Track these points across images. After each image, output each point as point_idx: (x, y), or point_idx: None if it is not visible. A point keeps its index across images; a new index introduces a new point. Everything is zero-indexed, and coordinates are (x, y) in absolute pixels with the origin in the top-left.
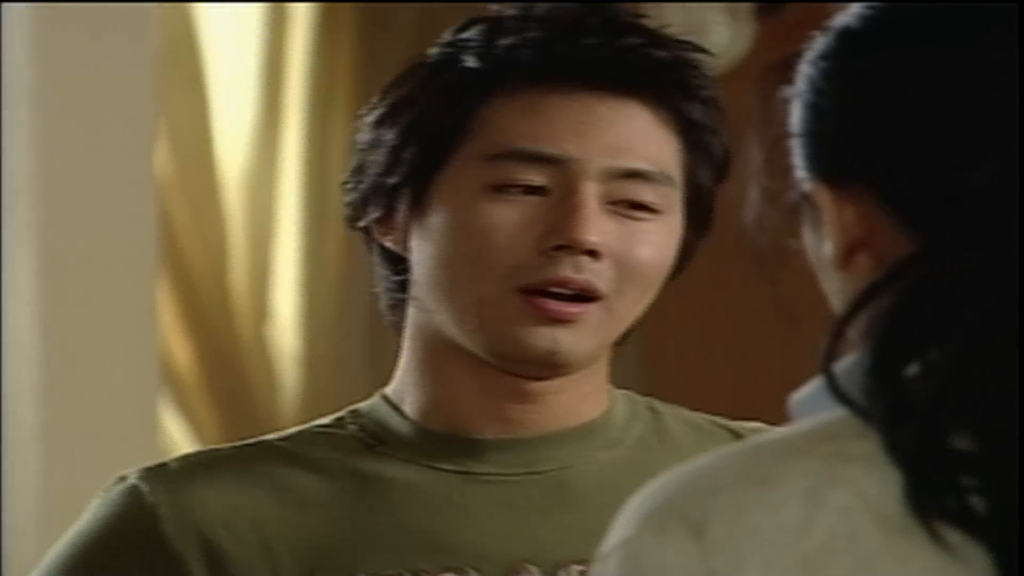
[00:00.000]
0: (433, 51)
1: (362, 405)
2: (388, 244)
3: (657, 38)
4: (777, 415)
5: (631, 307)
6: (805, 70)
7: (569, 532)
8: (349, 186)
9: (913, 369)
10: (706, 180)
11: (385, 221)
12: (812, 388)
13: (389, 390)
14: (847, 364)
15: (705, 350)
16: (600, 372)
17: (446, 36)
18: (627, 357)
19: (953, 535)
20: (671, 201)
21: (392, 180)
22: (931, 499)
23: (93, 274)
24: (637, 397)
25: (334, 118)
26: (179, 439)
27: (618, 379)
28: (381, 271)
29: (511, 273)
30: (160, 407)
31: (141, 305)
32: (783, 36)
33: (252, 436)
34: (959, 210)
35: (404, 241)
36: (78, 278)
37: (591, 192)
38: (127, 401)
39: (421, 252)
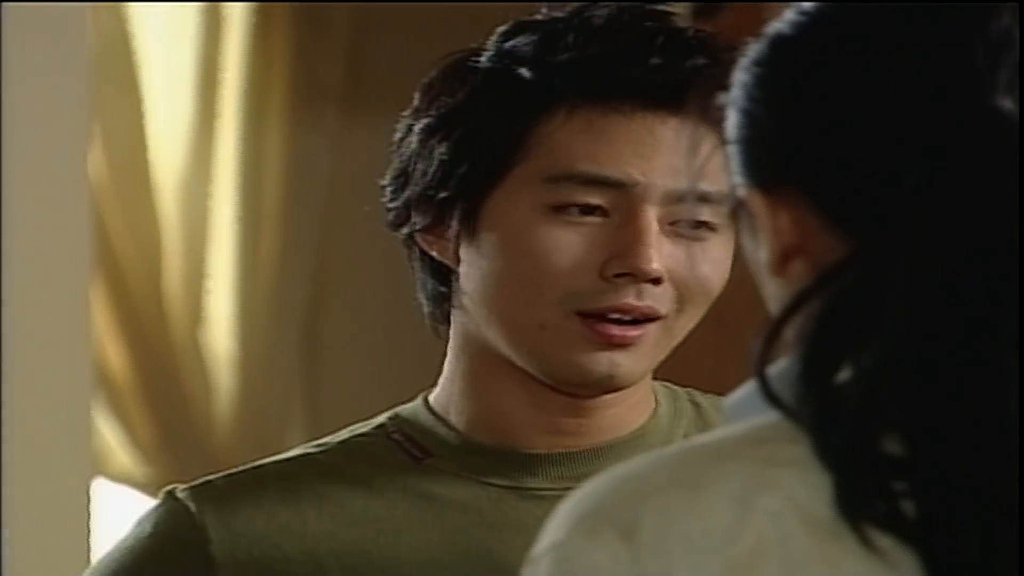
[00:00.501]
0: (484, 58)
1: (404, 410)
2: (435, 254)
3: (718, 55)
4: None
5: (688, 323)
6: (739, 76)
7: None
8: (390, 190)
9: (844, 373)
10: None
11: (432, 231)
12: (746, 391)
13: (432, 398)
14: (781, 368)
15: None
16: (648, 378)
17: (495, 40)
18: None
19: (883, 540)
20: (726, 219)
21: (443, 194)
22: (861, 503)
23: (27, 277)
24: (678, 390)
25: (269, 122)
26: (113, 443)
27: None
28: (424, 279)
29: (570, 298)
30: (94, 411)
31: (75, 308)
32: None
33: (186, 440)
34: (889, 215)
35: (455, 254)
36: (12, 281)
37: (653, 216)
38: (61, 404)
39: (473, 268)
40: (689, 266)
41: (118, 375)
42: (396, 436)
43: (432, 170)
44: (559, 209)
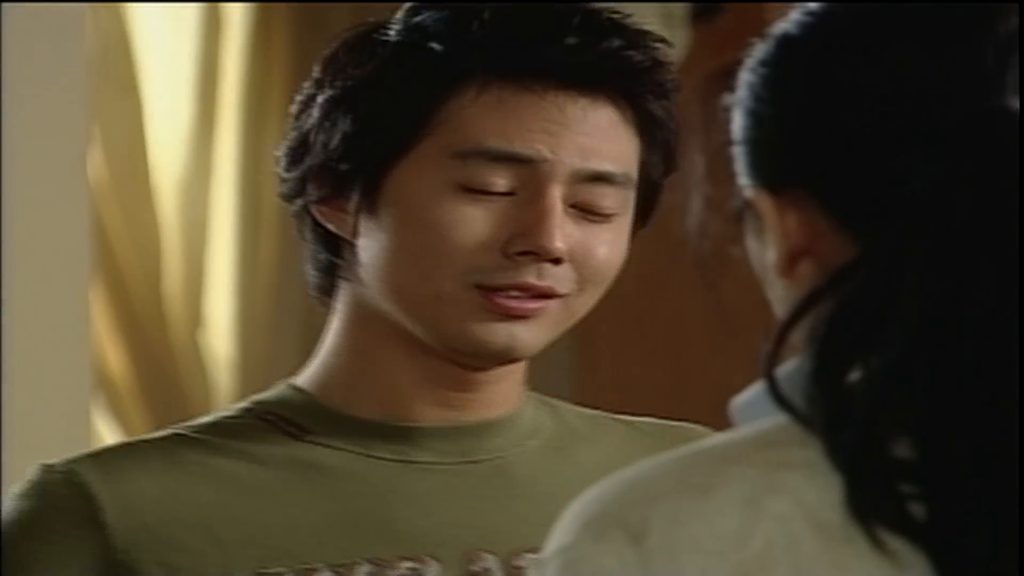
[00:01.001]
0: (392, 31)
1: (266, 396)
2: (331, 227)
3: (634, 38)
4: (710, 420)
5: (587, 302)
6: (746, 77)
7: (519, 521)
8: (287, 161)
9: (854, 374)
10: (658, 176)
11: (329, 202)
12: (753, 393)
13: (301, 380)
14: (789, 370)
15: (638, 356)
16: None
17: (404, 15)
18: (560, 362)
19: (894, 542)
20: (628, 202)
21: (344, 166)
22: (871, 505)
23: (26, 279)
24: (529, 391)
25: (269, 123)
26: None
27: (551, 383)
28: (316, 251)
29: (471, 272)
30: (94, 413)
31: (75, 310)
32: (718, 43)
33: None
34: (898, 215)
35: (353, 227)
36: (11, 284)
37: (558, 196)
38: (61, 406)
39: (372, 240)
40: (588, 248)
41: (118, 377)
42: (268, 417)
43: (335, 142)
44: (464, 185)
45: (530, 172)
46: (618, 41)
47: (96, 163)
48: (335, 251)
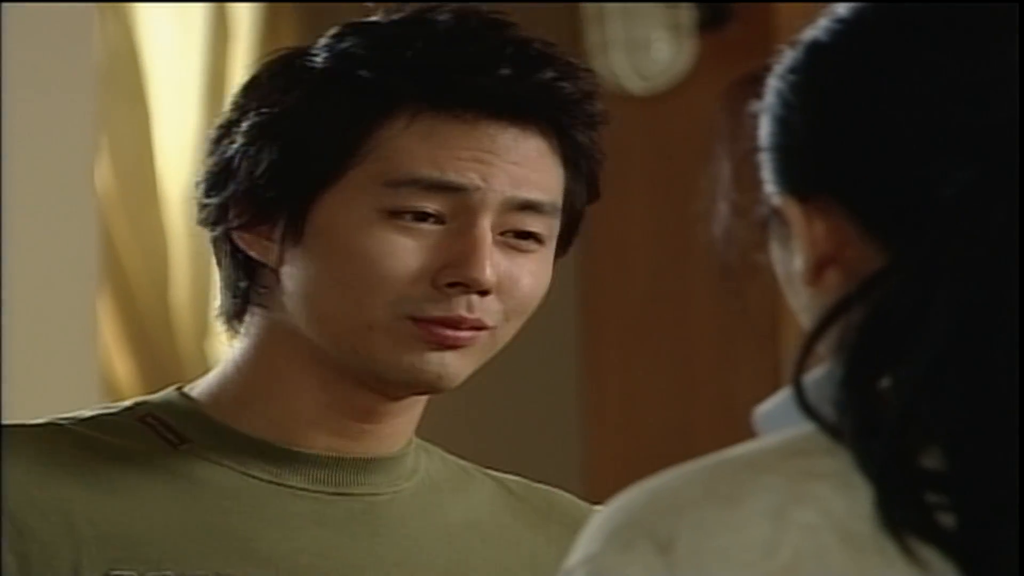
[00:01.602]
0: (317, 57)
1: (151, 399)
2: (253, 254)
3: (566, 69)
4: (716, 427)
5: (510, 333)
6: (774, 84)
7: (376, 560)
8: (205, 187)
9: (884, 383)
10: (580, 204)
11: (252, 229)
12: (778, 401)
13: (193, 389)
14: (815, 378)
15: (645, 364)
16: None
17: (327, 41)
18: (566, 371)
19: (923, 551)
20: (553, 231)
21: (270, 194)
22: (901, 515)
23: (35, 289)
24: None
25: None
26: None
27: (557, 393)
28: (234, 276)
29: (401, 301)
30: None
31: (82, 320)
32: (725, 53)
33: None
34: (928, 223)
35: (278, 255)
36: (20, 293)
37: (488, 226)
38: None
39: (298, 269)
40: (514, 278)
41: (125, 386)
42: (149, 420)
43: (260, 169)
44: (394, 214)
45: (460, 201)
46: (550, 72)
47: (104, 172)
48: (253, 278)
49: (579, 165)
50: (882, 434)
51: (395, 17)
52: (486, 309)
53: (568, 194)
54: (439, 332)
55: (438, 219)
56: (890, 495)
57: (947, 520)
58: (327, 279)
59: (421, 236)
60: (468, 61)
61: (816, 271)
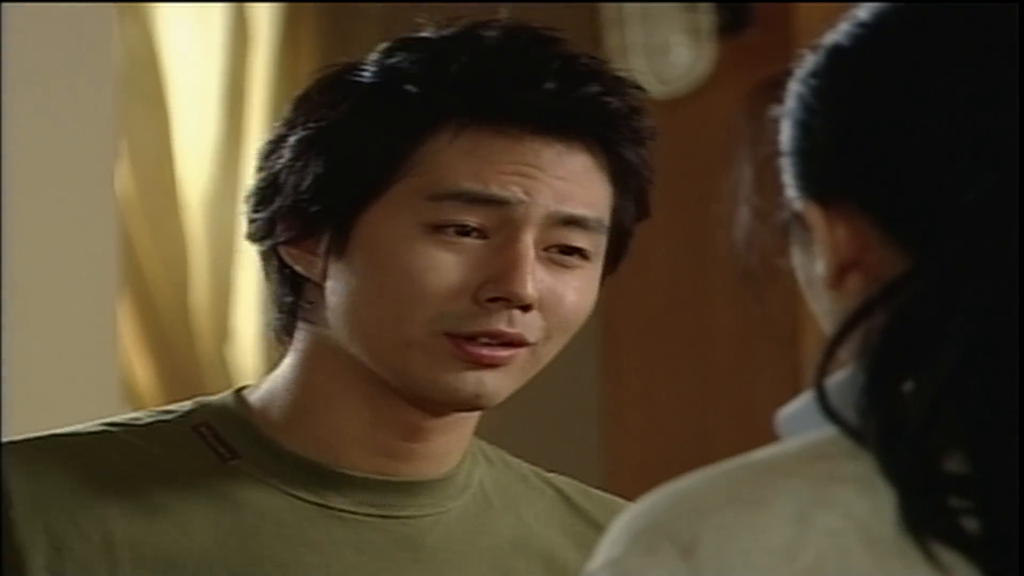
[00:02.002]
0: (366, 72)
1: (211, 401)
2: (299, 269)
3: (612, 84)
4: (735, 432)
5: (552, 351)
6: (795, 88)
7: None
8: (254, 201)
9: (907, 387)
10: (629, 222)
11: (298, 244)
12: (800, 404)
13: (253, 396)
14: (837, 381)
15: (664, 370)
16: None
17: (377, 56)
18: (587, 377)
19: (947, 555)
20: (599, 248)
21: (316, 208)
22: (924, 519)
23: (55, 294)
24: (472, 440)
25: None
26: None
27: (577, 397)
28: (281, 292)
29: (441, 318)
30: None
31: (102, 325)
32: (745, 57)
33: None
34: (951, 228)
35: (323, 269)
36: (40, 298)
37: (531, 241)
38: (88, 419)
39: (341, 284)
40: (558, 295)
41: (145, 391)
42: (203, 430)
43: (307, 183)
44: (437, 228)
45: (503, 215)
46: (596, 87)
47: (124, 177)
48: (299, 293)
49: (627, 182)
50: (905, 438)
51: (444, 32)
52: (528, 325)
53: (616, 212)
54: (474, 352)
55: (481, 234)
56: (913, 499)
57: (970, 524)
58: (369, 294)
59: (463, 251)
60: (513, 76)
61: (838, 275)
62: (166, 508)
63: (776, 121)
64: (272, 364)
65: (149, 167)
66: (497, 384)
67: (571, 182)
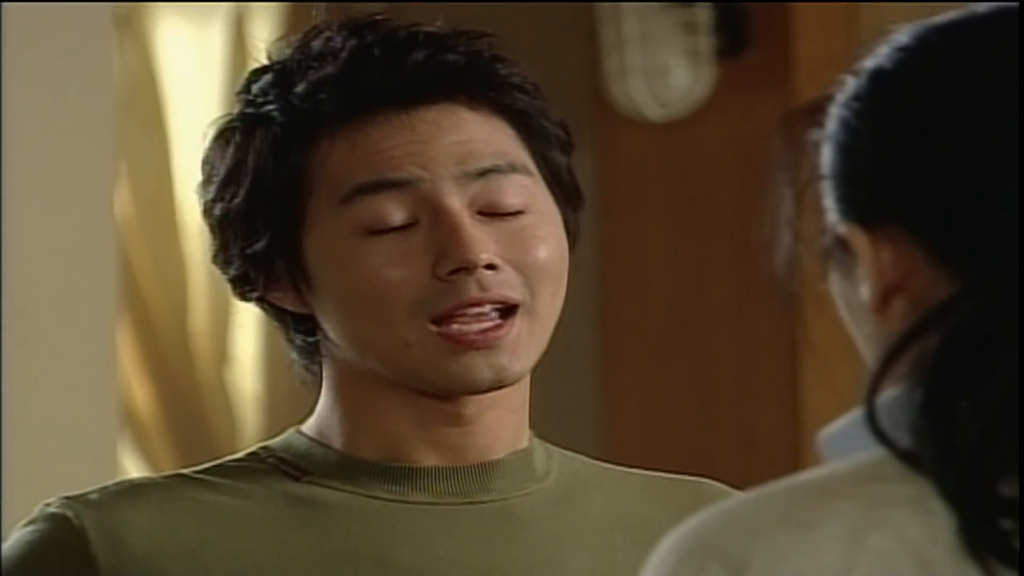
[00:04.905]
0: (236, 111)
1: (274, 441)
2: (289, 307)
3: (447, 43)
4: (734, 455)
5: (550, 304)
6: (836, 112)
7: (514, 562)
8: (221, 261)
9: (962, 408)
10: (556, 159)
11: (273, 287)
12: (843, 425)
13: (307, 427)
14: (885, 402)
15: (665, 391)
16: (524, 384)
17: (240, 90)
18: (587, 398)
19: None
20: (534, 190)
21: (259, 248)
22: (983, 540)
23: (54, 316)
24: (542, 441)
25: None
26: None
27: (577, 419)
28: (287, 336)
29: (418, 307)
30: (120, 449)
31: (102, 348)
32: (743, 80)
33: None
34: (1000, 249)
35: (302, 300)
36: (39, 320)
37: (458, 206)
38: (87, 443)
39: (323, 310)
40: (520, 243)
41: (144, 414)
42: (270, 460)
43: (240, 230)
44: (370, 231)
45: (418, 196)
46: (421, 52)
47: (123, 200)
48: (305, 330)
49: (529, 125)
50: (960, 461)
51: (281, 53)
52: (503, 283)
53: (536, 154)
54: (464, 339)
55: (412, 221)
56: (969, 520)
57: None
58: (348, 310)
59: (403, 240)
60: (344, 69)
61: (883, 299)
62: (249, 525)
63: (816, 145)
64: (272, 387)
65: (149, 190)
66: (509, 357)
67: (464, 141)
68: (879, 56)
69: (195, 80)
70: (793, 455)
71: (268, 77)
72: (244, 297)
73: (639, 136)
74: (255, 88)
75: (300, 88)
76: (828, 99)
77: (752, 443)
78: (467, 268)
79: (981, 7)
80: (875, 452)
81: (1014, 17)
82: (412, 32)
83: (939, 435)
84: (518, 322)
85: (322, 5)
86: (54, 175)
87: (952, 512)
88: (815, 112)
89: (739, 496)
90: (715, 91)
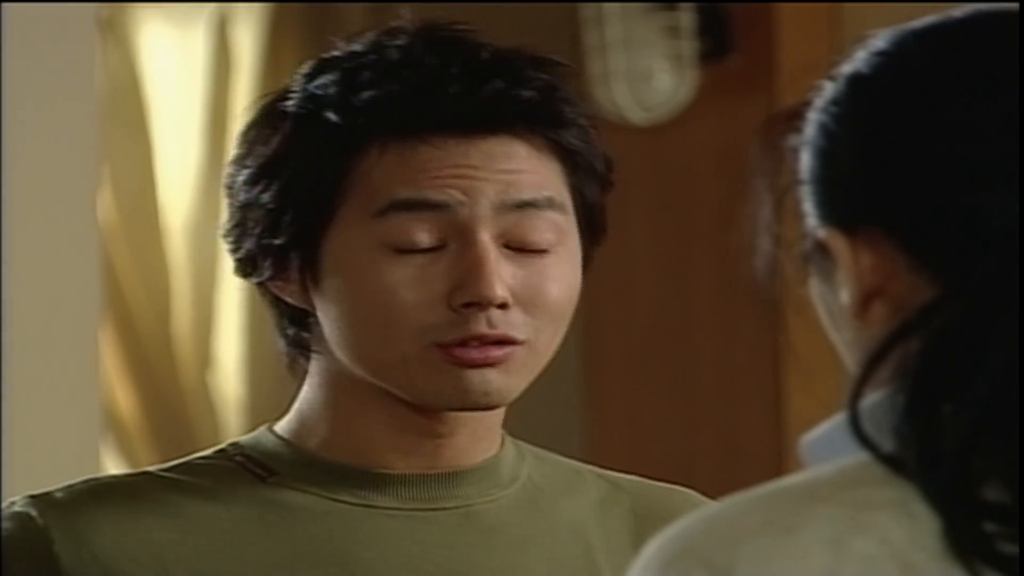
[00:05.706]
0: (290, 102)
1: (244, 439)
2: (288, 299)
3: (524, 73)
4: (717, 460)
5: (551, 341)
6: (815, 117)
7: (477, 568)
8: (230, 241)
9: (946, 411)
10: (593, 196)
11: (280, 277)
12: (825, 429)
13: (280, 426)
14: (867, 407)
15: (648, 396)
16: (501, 414)
17: (298, 81)
18: (570, 402)
19: None
20: (565, 228)
21: (278, 242)
22: (969, 543)
23: (36, 320)
24: (518, 441)
25: None
26: None
27: (560, 423)
28: (282, 323)
29: (424, 330)
30: (103, 453)
31: (85, 351)
32: (727, 84)
33: None
34: (981, 253)
35: (305, 296)
36: (21, 324)
37: (487, 240)
38: (70, 446)
39: (325, 312)
40: (534, 287)
41: (127, 418)
42: (238, 458)
43: (262, 218)
44: (397, 247)
45: (452, 220)
46: (501, 83)
47: (106, 204)
48: (302, 323)
49: (572, 157)
50: (944, 464)
51: (354, 48)
52: (510, 323)
53: (573, 189)
54: (464, 356)
55: (437, 243)
56: (956, 525)
57: (1009, 549)
58: (353, 318)
59: (427, 263)
60: (415, 86)
61: (863, 304)
62: (213, 526)
63: (795, 151)
64: (255, 391)
65: (131, 193)
66: (502, 381)
67: (511, 172)
68: (857, 60)
69: (178, 83)
70: (776, 460)
71: (335, 74)
72: (244, 278)
73: (622, 140)
74: (319, 80)
75: (367, 95)
76: (807, 104)
77: (735, 447)
78: (480, 304)
79: (959, 11)
80: (858, 456)
81: (992, 21)
82: (494, 56)
83: (923, 439)
84: (519, 352)
85: (407, 5)
86: (37, 179)
87: (936, 516)
88: (794, 117)
89: (723, 501)
90: (698, 95)
